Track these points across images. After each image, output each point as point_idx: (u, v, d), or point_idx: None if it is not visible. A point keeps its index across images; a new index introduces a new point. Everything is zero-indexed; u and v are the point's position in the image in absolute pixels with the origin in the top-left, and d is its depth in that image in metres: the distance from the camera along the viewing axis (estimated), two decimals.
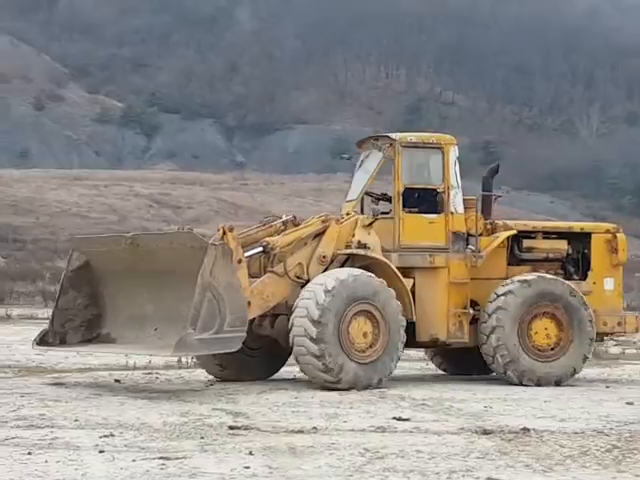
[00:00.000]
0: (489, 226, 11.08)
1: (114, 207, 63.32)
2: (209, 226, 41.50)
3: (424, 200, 10.98)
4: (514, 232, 11.19)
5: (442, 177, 10.88)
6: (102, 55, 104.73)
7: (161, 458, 6.25)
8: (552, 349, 10.59)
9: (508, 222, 11.29)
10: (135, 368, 12.38)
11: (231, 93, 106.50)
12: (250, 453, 6.48)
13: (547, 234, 11.47)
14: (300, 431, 7.53)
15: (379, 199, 11.36)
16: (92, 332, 10.33)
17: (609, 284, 11.29)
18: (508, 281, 10.64)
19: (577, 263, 11.46)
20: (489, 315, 10.43)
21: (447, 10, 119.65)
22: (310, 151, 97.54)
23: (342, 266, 10.20)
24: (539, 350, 10.54)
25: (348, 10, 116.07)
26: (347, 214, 10.67)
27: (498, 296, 10.46)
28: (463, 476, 5.74)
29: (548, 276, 10.89)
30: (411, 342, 10.37)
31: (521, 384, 10.39)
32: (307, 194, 71.64)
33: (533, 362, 10.49)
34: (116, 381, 10.86)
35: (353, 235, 10.30)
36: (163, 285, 9.58)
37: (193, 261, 9.03)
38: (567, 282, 10.90)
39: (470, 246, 10.77)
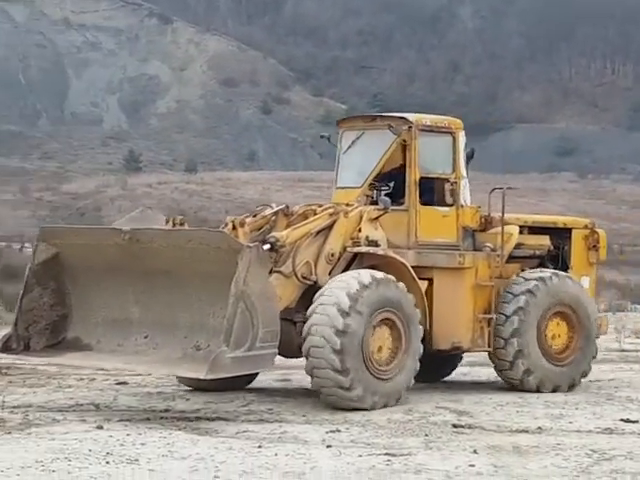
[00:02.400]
0: (484, 220, 10.16)
1: None
2: None
3: (434, 191, 9.86)
4: (517, 228, 10.32)
5: (453, 166, 9.88)
6: (326, 58, 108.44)
7: (386, 454, 6.61)
8: (564, 351, 10.00)
9: (496, 215, 10.22)
10: None
11: (453, 93, 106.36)
12: (475, 452, 6.77)
13: (532, 229, 10.64)
14: (525, 431, 7.75)
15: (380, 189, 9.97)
16: (57, 336, 9.12)
17: (585, 283, 10.50)
18: (520, 279, 9.82)
19: (556, 260, 10.66)
20: (507, 318, 9.60)
21: None
22: (533, 150, 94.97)
23: (349, 265, 9.12)
24: (555, 353, 9.93)
25: (573, 4, 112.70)
26: (347, 205, 9.33)
27: (515, 296, 9.66)
28: None
29: (562, 273, 10.11)
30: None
31: (539, 390, 9.72)
32: (530, 194, 69.46)
33: (551, 367, 9.87)
34: None
35: (359, 230, 9.17)
36: (158, 287, 8.46)
37: (214, 264, 8.00)
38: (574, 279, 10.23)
39: (488, 244, 9.86)
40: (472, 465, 6.28)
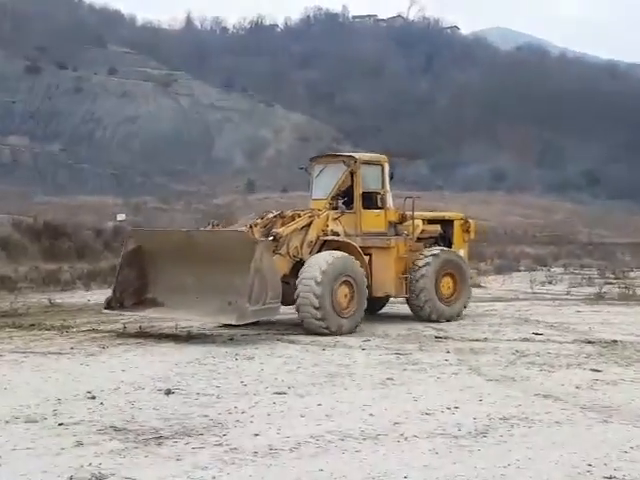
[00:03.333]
0: (401, 217, 14.24)
1: None
2: None
3: (371, 200, 13.92)
4: (421, 221, 14.74)
5: (382, 184, 14.07)
6: (358, 124, 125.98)
7: (396, 353, 10.20)
8: (451, 296, 14.20)
9: (408, 213, 14.28)
10: None
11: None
12: (447, 352, 10.37)
13: (430, 221, 15.15)
14: (477, 340, 11.58)
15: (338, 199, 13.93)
16: (140, 297, 12.44)
17: (461, 253, 14.97)
18: (422, 255, 13.99)
19: (445, 239, 15.14)
20: (417, 280, 13.72)
21: None
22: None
23: (321, 248, 12.93)
24: (446, 298, 14.09)
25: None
26: (319, 210, 13.30)
27: (420, 267, 13.78)
28: (576, 367, 9.28)
29: (447, 249, 14.49)
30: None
31: (438, 321, 13.75)
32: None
33: (443, 306, 13.99)
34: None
35: (327, 225, 13.13)
36: (205, 266, 11.46)
37: (238, 251, 11.15)
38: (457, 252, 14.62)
39: (404, 231, 14.07)
40: (446, 360, 9.69)
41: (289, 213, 13.37)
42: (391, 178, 14.40)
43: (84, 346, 10.85)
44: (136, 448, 5.80)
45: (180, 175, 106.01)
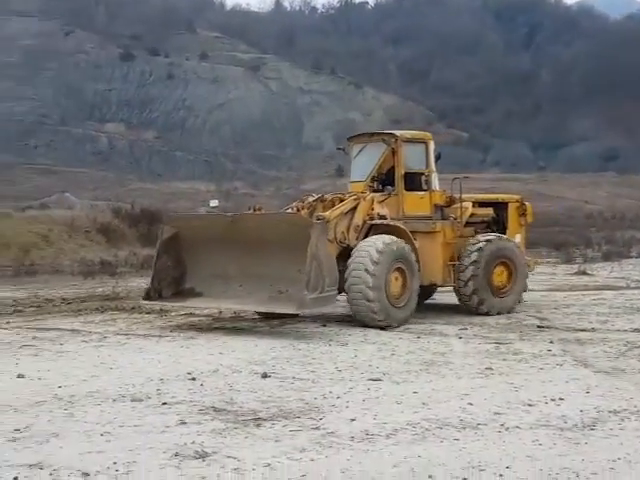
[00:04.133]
0: (448, 199, 13.22)
1: None
2: None
3: (414, 181, 12.78)
4: (470, 203, 13.50)
5: (426, 164, 12.90)
6: (454, 104, 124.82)
7: (495, 343, 9.96)
8: (504, 287, 13.02)
9: (456, 195, 13.20)
10: None
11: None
12: (551, 342, 9.98)
13: (481, 204, 13.90)
14: (583, 330, 11.05)
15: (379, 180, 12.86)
16: (179, 286, 11.74)
17: (518, 238, 13.56)
18: (475, 240, 12.87)
19: (498, 224, 13.93)
20: (466, 267, 12.65)
21: None
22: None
23: (368, 232, 11.96)
24: (498, 289, 12.92)
25: None
26: (362, 192, 12.32)
27: (470, 253, 12.69)
28: None
29: (503, 236, 13.29)
30: None
31: (488, 313, 12.66)
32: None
33: (494, 298, 12.83)
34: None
35: (372, 209, 12.12)
36: (251, 252, 10.76)
37: (291, 235, 10.31)
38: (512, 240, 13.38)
39: (451, 215, 13.00)
40: (549, 350, 9.32)
41: (329, 197, 12.58)
42: (438, 158, 13.23)
43: (183, 329, 11.13)
44: (236, 428, 5.93)
45: (270, 160, 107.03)
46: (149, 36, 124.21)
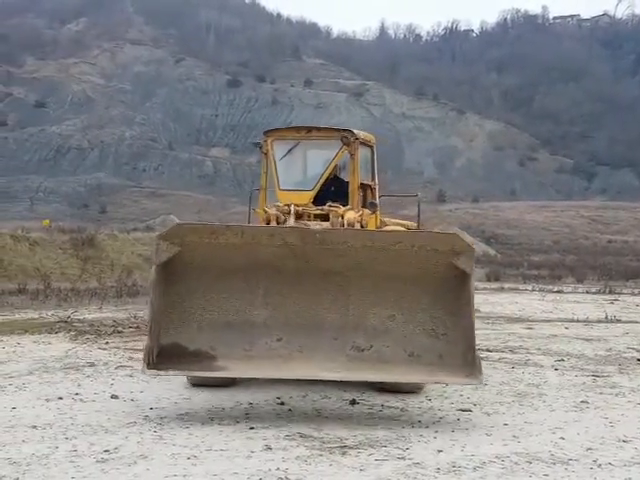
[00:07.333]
0: (381, 222, 10.49)
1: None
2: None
3: (365, 196, 9.97)
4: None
5: (372, 174, 10.30)
6: (560, 131, 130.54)
7: (593, 375, 9.67)
8: None
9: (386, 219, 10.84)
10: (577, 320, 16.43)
11: None
12: None
13: None
14: None
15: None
16: (189, 348, 7.22)
17: None
18: None
19: None
20: None
21: None
22: None
23: None
24: None
25: None
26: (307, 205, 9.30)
27: None
28: None
29: None
30: None
31: None
32: None
33: None
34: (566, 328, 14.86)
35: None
36: (357, 289, 7.21)
37: (439, 264, 6.87)
38: None
39: None
40: None
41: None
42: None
43: None
44: (321, 455, 5.89)
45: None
46: (256, 63, 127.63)
